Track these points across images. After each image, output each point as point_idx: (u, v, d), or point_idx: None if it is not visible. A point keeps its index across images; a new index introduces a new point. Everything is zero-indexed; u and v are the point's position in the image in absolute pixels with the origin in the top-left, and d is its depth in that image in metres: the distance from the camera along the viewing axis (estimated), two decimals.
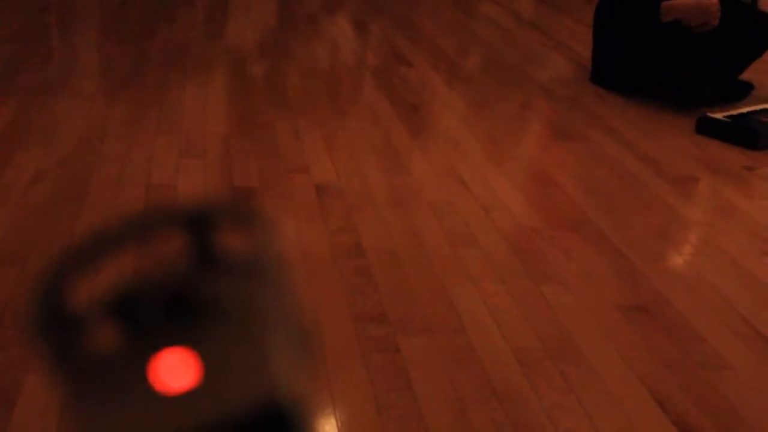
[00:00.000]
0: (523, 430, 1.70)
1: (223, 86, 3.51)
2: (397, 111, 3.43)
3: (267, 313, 0.37)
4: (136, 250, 2.09)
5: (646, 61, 3.89)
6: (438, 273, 2.24)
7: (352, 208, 2.54)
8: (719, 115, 3.52)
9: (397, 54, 4.31)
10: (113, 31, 4.31)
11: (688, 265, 2.48)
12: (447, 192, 2.74)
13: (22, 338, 1.81)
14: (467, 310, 2.08)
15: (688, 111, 3.72)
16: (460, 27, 5.31)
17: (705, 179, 3.10)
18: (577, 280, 2.29)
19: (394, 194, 2.68)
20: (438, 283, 2.20)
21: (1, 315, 1.89)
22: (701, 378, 1.92)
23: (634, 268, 2.38)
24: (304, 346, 0.40)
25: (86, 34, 4.23)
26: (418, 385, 1.80)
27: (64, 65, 3.64)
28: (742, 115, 3.57)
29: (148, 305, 0.36)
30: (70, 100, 3.19)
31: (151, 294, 0.36)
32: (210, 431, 0.36)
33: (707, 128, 3.49)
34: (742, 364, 1.99)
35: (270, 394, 0.37)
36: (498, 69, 4.25)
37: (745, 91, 3.96)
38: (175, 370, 0.36)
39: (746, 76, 4.06)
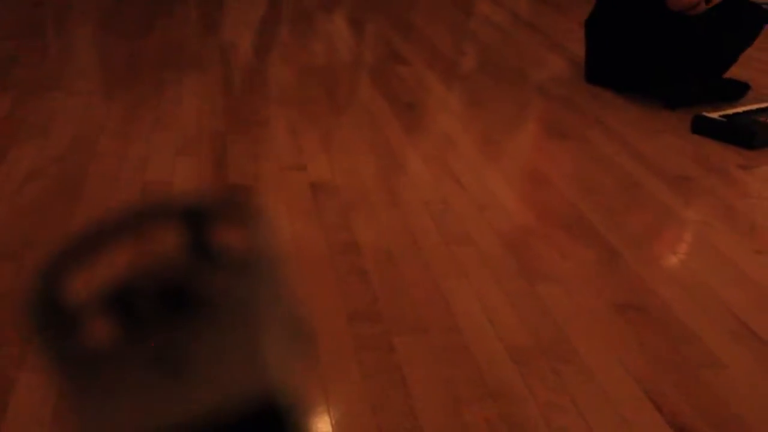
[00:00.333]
0: (518, 429, 1.70)
1: (219, 83, 3.51)
2: (393, 109, 3.43)
3: (262, 309, 0.37)
4: (132, 244, 2.09)
5: (639, 59, 3.90)
6: (433, 271, 2.25)
7: (347, 206, 2.54)
8: (714, 115, 3.52)
9: (394, 52, 4.31)
10: (109, 27, 4.30)
11: (682, 264, 2.48)
12: (442, 190, 2.74)
13: (18, 333, 1.81)
14: (462, 309, 2.08)
15: (684, 110, 3.73)
16: (457, 26, 5.31)
17: (700, 178, 3.10)
18: (572, 279, 2.29)
19: (390, 192, 2.68)
20: (432, 281, 2.20)
21: None
22: (696, 377, 1.93)
23: (628, 267, 2.39)
24: (298, 342, 0.40)
25: (82, 30, 4.23)
26: (412, 384, 1.80)
27: (60, 62, 3.63)
28: (737, 114, 3.57)
29: (143, 299, 0.36)
30: (66, 96, 3.19)
31: (147, 287, 0.36)
32: (205, 427, 0.36)
33: (702, 127, 3.49)
34: (736, 364, 1.99)
35: (264, 391, 0.37)
36: (494, 68, 4.25)
37: (741, 91, 3.97)
38: None
39: (741, 75, 4.06)
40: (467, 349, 1.93)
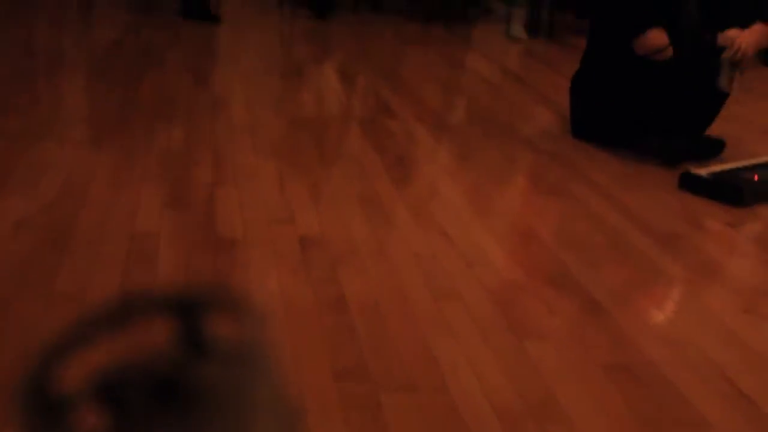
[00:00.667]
0: None
1: (209, 134, 3.52)
2: (383, 162, 3.44)
3: (252, 399, 0.37)
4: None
5: (623, 115, 3.94)
6: (420, 327, 2.24)
7: (335, 260, 2.54)
8: (702, 172, 3.54)
9: (383, 105, 4.33)
10: (101, 77, 4.32)
11: (670, 322, 2.48)
12: (430, 244, 2.74)
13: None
14: (450, 367, 2.07)
15: (671, 167, 3.75)
16: (446, 79, 5.35)
17: (688, 235, 3.11)
18: (560, 336, 2.29)
19: (378, 246, 2.68)
20: (420, 337, 2.19)
21: None
22: None
23: (616, 325, 2.38)
24: (288, 425, 0.40)
25: (73, 79, 4.24)
26: None
27: (51, 110, 3.64)
28: (724, 171, 3.59)
29: (134, 391, 0.36)
30: (56, 145, 3.19)
31: (137, 380, 0.36)
32: None
33: (690, 184, 3.51)
34: (724, 424, 1.98)
35: None
36: (483, 122, 4.27)
37: (718, 147, 4.00)
38: None
39: (724, 130, 4.10)
40: (455, 410, 1.92)
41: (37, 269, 2.28)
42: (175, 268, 2.36)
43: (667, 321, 2.49)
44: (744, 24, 3.79)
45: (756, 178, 3.53)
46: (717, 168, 3.63)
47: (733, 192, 3.42)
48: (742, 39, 3.70)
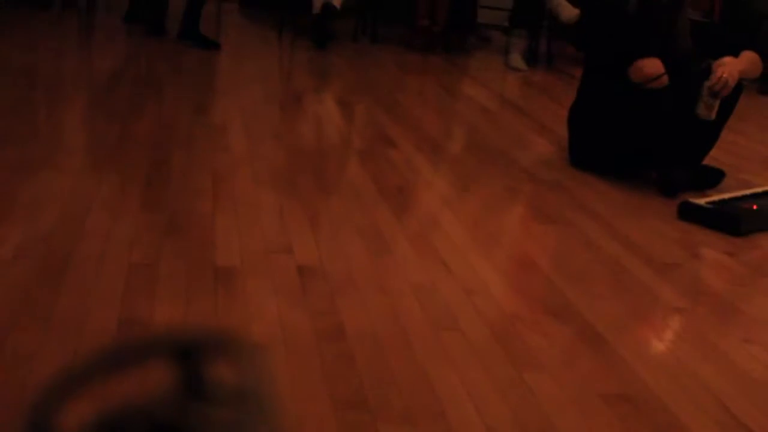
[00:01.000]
0: None
1: (208, 164, 3.52)
2: (382, 192, 3.44)
3: None
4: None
5: (621, 144, 3.95)
6: (419, 358, 2.23)
7: (334, 290, 2.53)
8: (701, 201, 3.55)
9: (382, 134, 4.34)
10: (100, 107, 4.33)
11: (670, 352, 2.47)
12: (429, 274, 2.74)
13: None
14: (449, 397, 2.07)
15: (670, 197, 3.76)
16: (445, 108, 5.36)
17: (687, 265, 3.11)
18: (560, 366, 2.28)
19: (377, 276, 2.67)
20: (419, 368, 2.18)
21: None
22: None
23: (616, 355, 2.38)
24: None
25: (73, 108, 4.25)
26: None
27: (50, 140, 3.65)
28: (724, 201, 3.60)
29: None
30: (55, 175, 3.19)
31: (138, 423, 0.36)
32: None
33: (689, 214, 3.52)
34: None
35: None
36: (482, 151, 4.28)
37: (717, 177, 4.01)
38: None
39: (721, 159, 4.11)
40: None
41: (34, 299, 2.27)
42: (173, 299, 2.36)
43: (666, 350, 2.48)
44: (736, 52, 3.80)
45: (755, 207, 3.53)
46: (716, 197, 3.63)
47: (732, 221, 3.43)
48: (725, 68, 3.71)
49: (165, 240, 2.73)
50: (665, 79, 3.76)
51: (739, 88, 3.82)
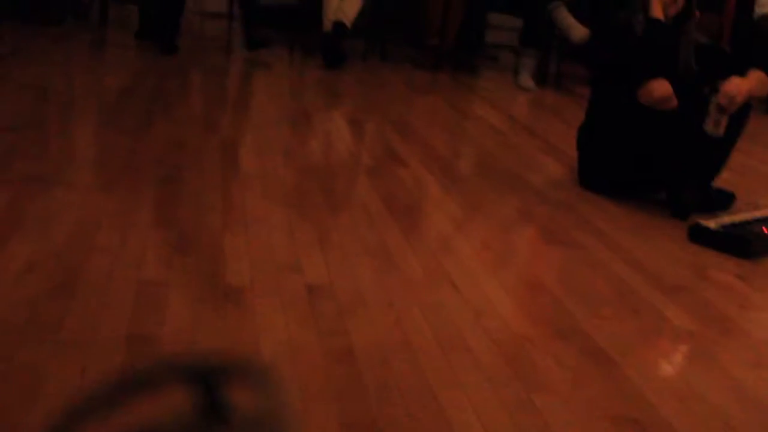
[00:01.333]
0: None
1: (218, 181, 3.53)
2: (391, 211, 3.44)
3: None
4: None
5: (630, 166, 3.95)
6: (428, 378, 2.22)
7: (342, 310, 2.53)
8: (711, 224, 3.54)
9: (392, 153, 4.35)
10: (111, 122, 4.34)
11: (679, 375, 2.46)
12: (438, 295, 2.74)
13: None
14: (458, 420, 2.06)
15: (681, 219, 3.75)
16: (455, 128, 5.37)
17: (696, 288, 3.10)
18: (569, 389, 2.27)
19: (386, 296, 2.67)
20: (428, 389, 2.17)
21: None
22: None
23: (625, 378, 2.37)
24: None
25: (84, 125, 4.26)
26: None
27: (61, 156, 3.66)
28: (734, 224, 3.59)
29: None
30: (65, 190, 3.20)
31: None
32: None
33: (700, 237, 3.51)
34: None
35: None
36: (492, 171, 4.28)
37: (727, 200, 4.01)
38: None
39: (731, 180, 4.10)
40: None
41: (44, 315, 2.27)
42: (182, 316, 2.36)
43: (675, 374, 2.47)
44: (743, 72, 3.80)
45: (765, 230, 3.52)
46: (726, 220, 3.63)
47: (742, 244, 3.42)
48: (732, 84, 3.70)
49: (174, 257, 2.73)
50: (674, 102, 3.76)
51: (747, 107, 3.81)
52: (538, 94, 6.67)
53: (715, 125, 3.74)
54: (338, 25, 6.53)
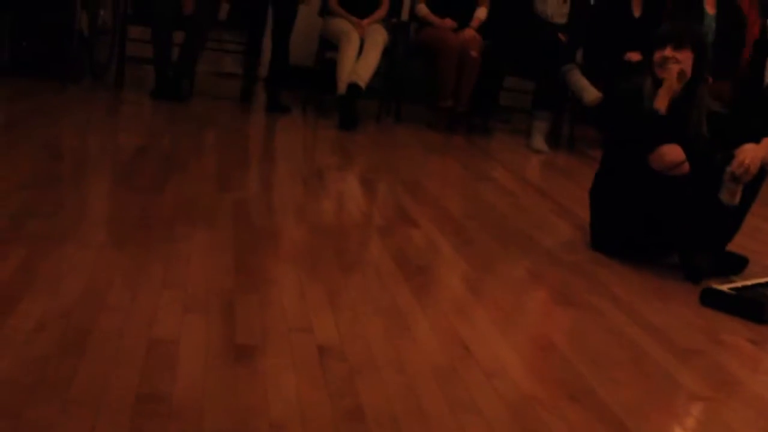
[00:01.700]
0: None
1: (230, 240, 3.54)
2: (402, 272, 3.44)
3: None
4: None
5: (641, 229, 3.95)
6: None
7: (353, 370, 2.52)
8: (724, 287, 3.53)
9: (404, 214, 4.36)
10: (124, 181, 4.38)
11: None
12: (449, 357, 2.73)
13: None
14: None
15: (693, 282, 3.74)
16: (468, 189, 5.39)
17: (709, 352, 3.08)
18: None
19: (397, 358, 2.66)
20: None
21: None
22: None
23: None
24: None
25: (98, 183, 4.30)
26: None
27: (74, 214, 3.68)
28: (747, 287, 3.58)
29: None
30: (78, 249, 3.21)
31: None
32: None
33: (712, 300, 3.49)
34: None
35: None
36: (504, 233, 4.28)
37: (740, 264, 4.00)
38: None
39: (744, 245, 4.09)
40: None
41: (53, 373, 2.27)
42: (193, 375, 2.35)
43: None
44: (757, 139, 3.81)
45: None
46: (739, 284, 3.62)
47: (755, 308, 3.40)
48: (746, 153, 3.71)
49: (185, 316, 2.74)
50: (686, 167, 3.77)
51: (762, 172, 3.81)
52: (551, 156, 6.70)
53: (730, 195, 3.75)
54: (353, 86, 6.58)
